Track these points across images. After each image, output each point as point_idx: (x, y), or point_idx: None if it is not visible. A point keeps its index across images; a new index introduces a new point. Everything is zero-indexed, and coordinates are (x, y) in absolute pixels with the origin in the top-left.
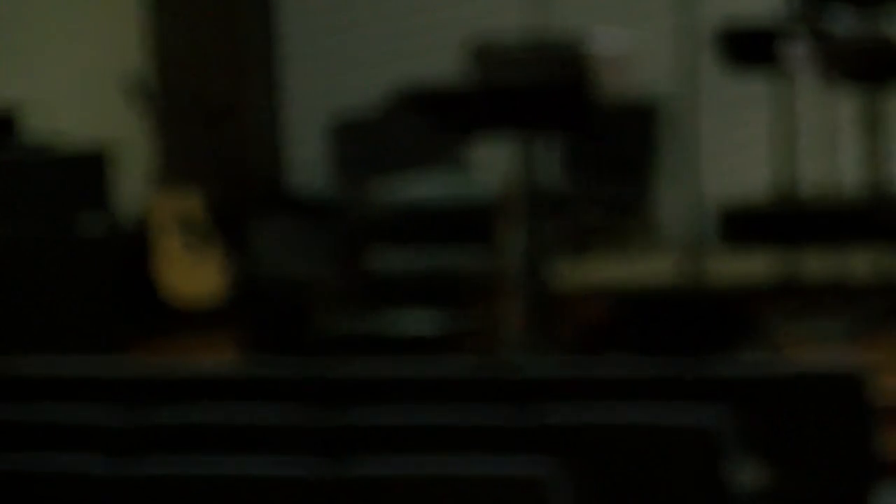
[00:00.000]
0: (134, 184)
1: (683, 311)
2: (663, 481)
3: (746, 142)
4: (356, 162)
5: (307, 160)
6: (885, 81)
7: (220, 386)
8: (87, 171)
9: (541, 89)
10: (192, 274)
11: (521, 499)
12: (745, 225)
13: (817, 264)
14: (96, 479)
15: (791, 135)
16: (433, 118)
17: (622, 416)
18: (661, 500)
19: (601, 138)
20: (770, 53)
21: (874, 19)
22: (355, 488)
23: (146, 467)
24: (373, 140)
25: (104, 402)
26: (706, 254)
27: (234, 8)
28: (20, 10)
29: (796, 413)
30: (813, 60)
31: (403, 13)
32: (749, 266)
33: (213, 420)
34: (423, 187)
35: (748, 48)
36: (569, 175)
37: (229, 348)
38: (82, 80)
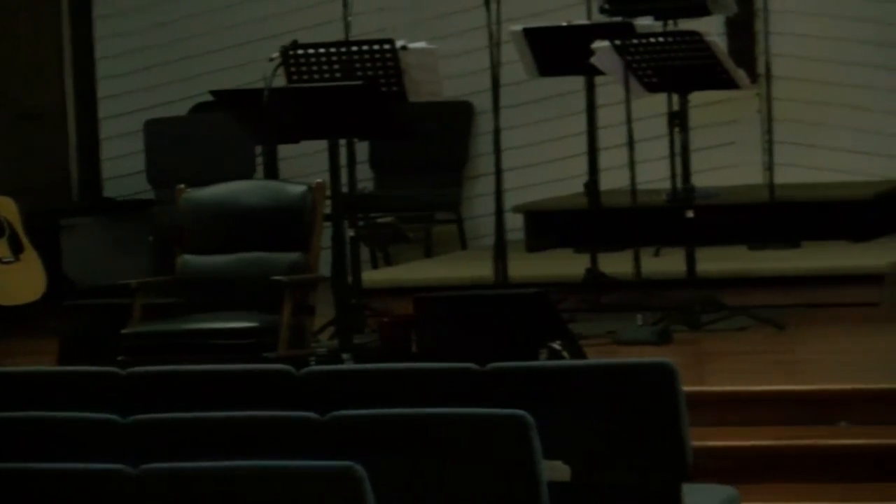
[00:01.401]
0: None
1: (488, 308)
2: (475, 473)
3: (554, 144)
4: (169, 165)
5: (121, 163)
6: (688, 84)
7: (32, 386)
8: None
9: (346, 92)
10: (8, 277)
11: (335, 492)
12: (549, 226)
13: (621, 264)
14: None
15: (598, 137)
16: (242, 121)
17: (429, 410)
18: (474, 490)
19: (410, 141)
20: (579, 57)
21: (677, 25)
22: (164, 484)
23: None
24: (186, 143)
25: None
26: (512, 253)
27: (45, 13)
28: None
29: (605, 406)
30: (621, 64)
31: (217, 17)
32: (553, 265)
33: (24, 419)
34: (235, 191)
35: (558, 52)
36: (379, 177)
37: (45, 349)
38: None
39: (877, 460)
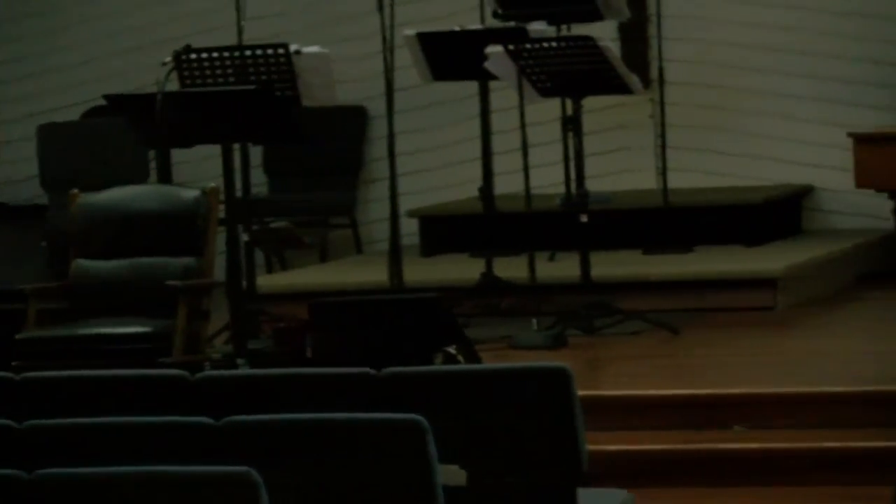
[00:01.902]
0: None
1: (383, 312)
2: (371, 478)
3: (448, 149)
4: (62, 170)
5: (14, 168)
6: (582, 89)
7: None
8: None
9: (240, 96)
10: None
11: (231, 498)
12: (444, 230)
13: (516, 268)
14: None
15: (492, 141)
16: (135, 126)
17: (325, 415)
18: (370, 496)
19: (303, 145)
20: (473, 62)
21: (570, 30)
22: (59, 490)
23: None
24: (79, 148)
25: None
26: (407, 258)
27: None
28: None
29: (500, 410)
30: (514, 69)
31: (110, 21)
32: (448, 270)
33: None
34: (128, 195)
35: (451, 57)
36: (273, 181)
37: None
38: None
39: (771, 464)
